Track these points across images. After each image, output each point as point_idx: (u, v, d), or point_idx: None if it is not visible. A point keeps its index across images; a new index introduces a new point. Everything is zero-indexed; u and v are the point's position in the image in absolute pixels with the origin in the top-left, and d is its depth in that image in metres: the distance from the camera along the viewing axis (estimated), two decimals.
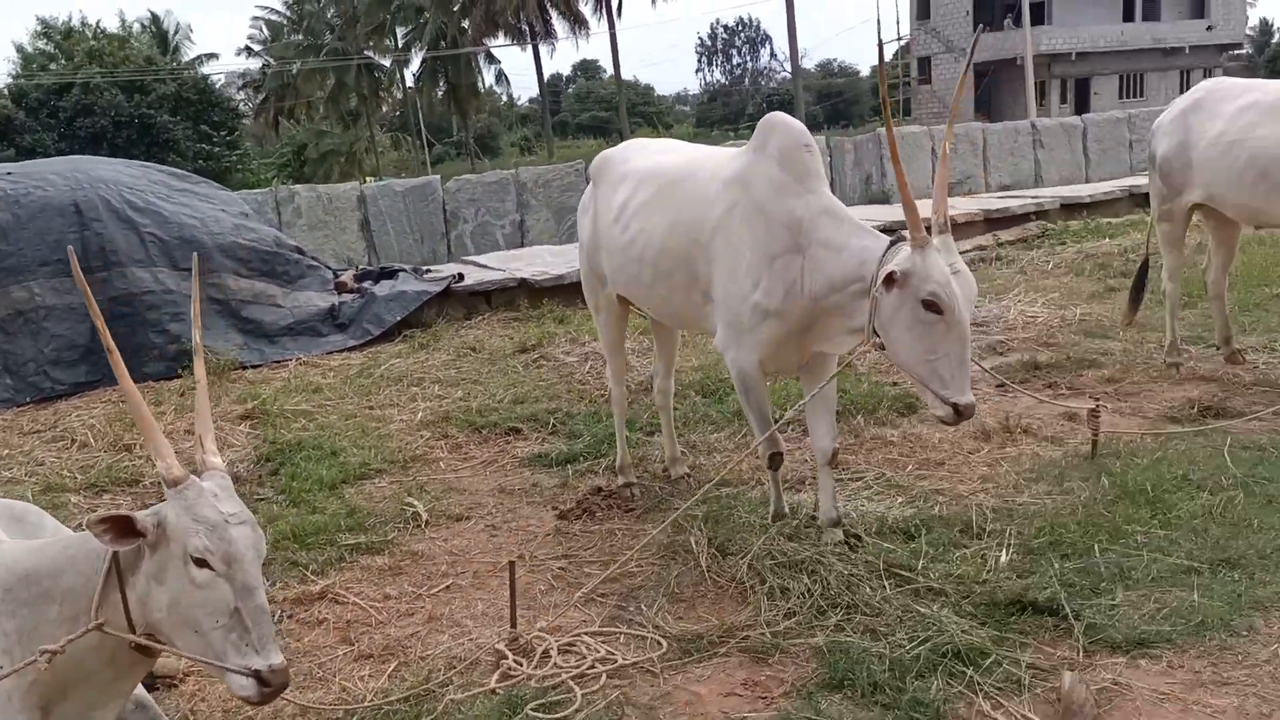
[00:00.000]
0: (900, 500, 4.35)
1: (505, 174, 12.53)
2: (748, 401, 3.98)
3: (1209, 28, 45.37)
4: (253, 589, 2.10)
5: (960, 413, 3.18)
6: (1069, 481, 4.36)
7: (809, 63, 72.55)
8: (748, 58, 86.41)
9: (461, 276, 8.81)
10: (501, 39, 44.22)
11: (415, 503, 4.71)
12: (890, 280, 3.21)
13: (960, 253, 9.99)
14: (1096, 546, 3.66)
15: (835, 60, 75.50)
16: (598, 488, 4.79)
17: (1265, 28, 72.10)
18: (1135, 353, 6.33)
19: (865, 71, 70.63)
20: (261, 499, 4.97)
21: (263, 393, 6.66)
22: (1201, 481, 4.15)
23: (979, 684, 2.89)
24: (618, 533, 4.30)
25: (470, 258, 10.63)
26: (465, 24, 43.48)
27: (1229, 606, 3.19)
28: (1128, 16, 45.00)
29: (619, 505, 4.61)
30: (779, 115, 3.87)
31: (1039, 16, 42.23)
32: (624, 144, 4.70)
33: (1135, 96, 42.08)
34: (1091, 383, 5.90)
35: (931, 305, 3.15)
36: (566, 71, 78.53)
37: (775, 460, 4.07)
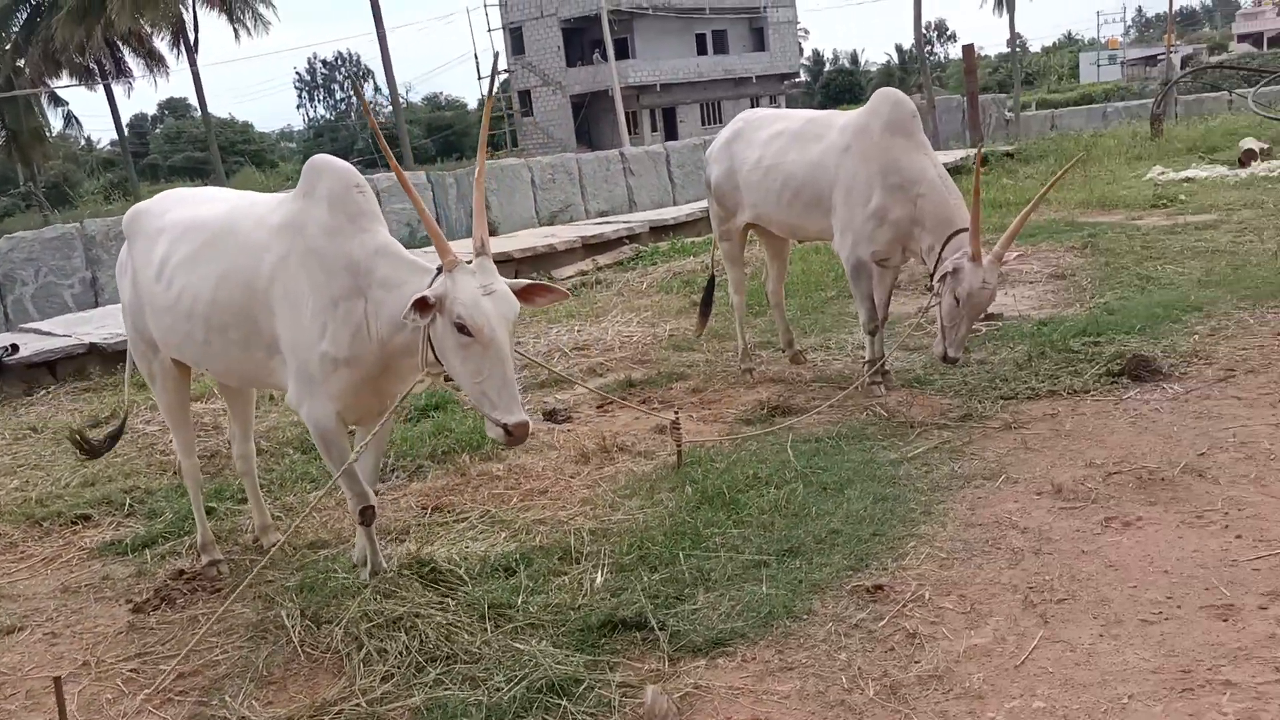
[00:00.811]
0: (504, 536, 4.34)
1: (68, 228, 11.25)
2: (329, 457, 3.79)
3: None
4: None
5: (511, 433, 3.19)
6: (659, 493, 4.58)
7: (416, 96, 72.39)
8: (350, 92, 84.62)
9: (15, 348, 7.75)
10: (66, 79, 39.85)
11: None
12: (424, 305, 3.19)
13: (563, 279, 10.30)
14: (681, 554, 3.86)
15: (442, 93, 75.86)
16: (180, 571, 4.35)
17: (818, 58, 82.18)
18: (716, 362, 6.83)
19: (472, 104, 71.69)
20: None
21: None
22: (769, 478, 4.52)
23: (572, 714, 2.92)
24: (201, 619, 3.92)
25: (31, 324, 9.40)
26: (21, 63, 38.74)
27: (791, 593, 3.48)
28: (701, 51, 49.33)
29: (204, 588, 4.22)
30: (325, 158, 3.74)
31: (624, 51, 45.11)
32: (160, 195, 4.33)
33: (715, 122, 45.95)
34: (680, 394, 6.28)
35: (462, 328, 3.17)
36: (153, 110, 72.52)
37: (367, 514, 3.90)
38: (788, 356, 6.67)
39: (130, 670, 3.58)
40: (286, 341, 3.66)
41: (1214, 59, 50.69)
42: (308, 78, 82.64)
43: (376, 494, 4.67)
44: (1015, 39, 49.50)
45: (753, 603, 3.44)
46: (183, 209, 4.00)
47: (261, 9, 37.61)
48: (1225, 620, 3.02)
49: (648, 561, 3.85)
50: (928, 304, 5.42)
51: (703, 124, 46.01)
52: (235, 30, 37.84)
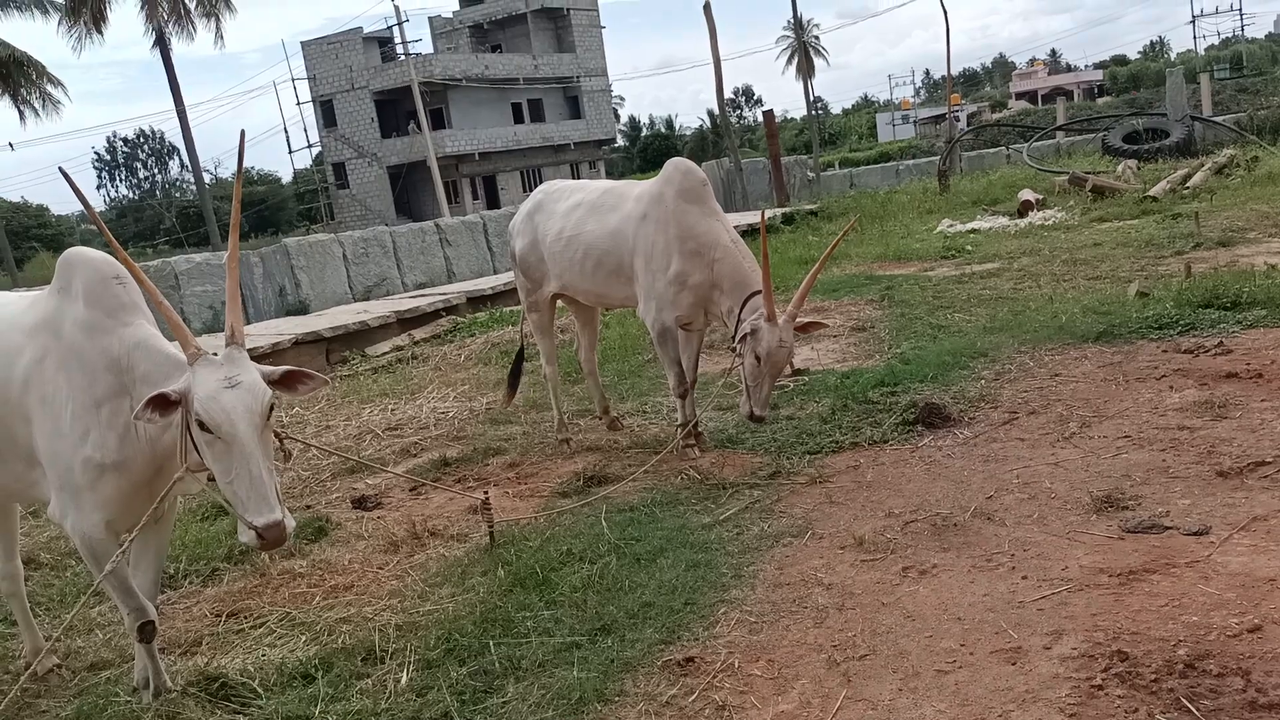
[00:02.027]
0: (304, 639, 4.09)
1: None
2: (97, 568, 3.49)
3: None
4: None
5: (261, 535, 3.01)
6: (470, 579, 4.43)
7: (225, 172, 70.01)
8: (155, 170, 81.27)
9: None
10: None
11: None
12: (163, 403, 3.04)
13: (378, 355, 9.98)
14: (491, 643, 3.72)
15: (254, 168, 73.65)
16: None
17: (635, 124, 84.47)
18: (533, 434, 6.75)
19: (286, 177, 69.93)
20: None
21: None
22: (583, 552, 4.45)
23: None
24: None
25: None
26: None
27: (603, 675, 3.40)
28: (518, 119, 49.87)
29: None
30: (79, 250, 3.53)
31: (440, 121, 45.13)
32: None
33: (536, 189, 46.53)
34: (496, 470, 6.16)
35: (202, 424, 3.02)
36: None
37: (146, 630, 3.61)
38: (604, 424, 6.66)
39: None
40: (45, 451, 3.38)
41: (994, 116, 54.90)
42: (108, 157, 78.84)
43: (164, 603, 4.35)
44: (814, 103, 52.28)
45: (563, 689, 3.34)
46: None
47: (49, 89, 35.62)
48: (1014, 664, 3.12)
49: (456, 654, 3.70)
50: (732, 365, 5.52)
51: (524, 191, 46.33)
52: (21, 112, 35.68)
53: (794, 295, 5.15)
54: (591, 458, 6.06)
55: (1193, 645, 3.05)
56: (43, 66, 35.95)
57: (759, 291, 5.25)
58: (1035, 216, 14.22)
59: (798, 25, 54.38)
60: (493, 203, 45.06)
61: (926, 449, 5.30)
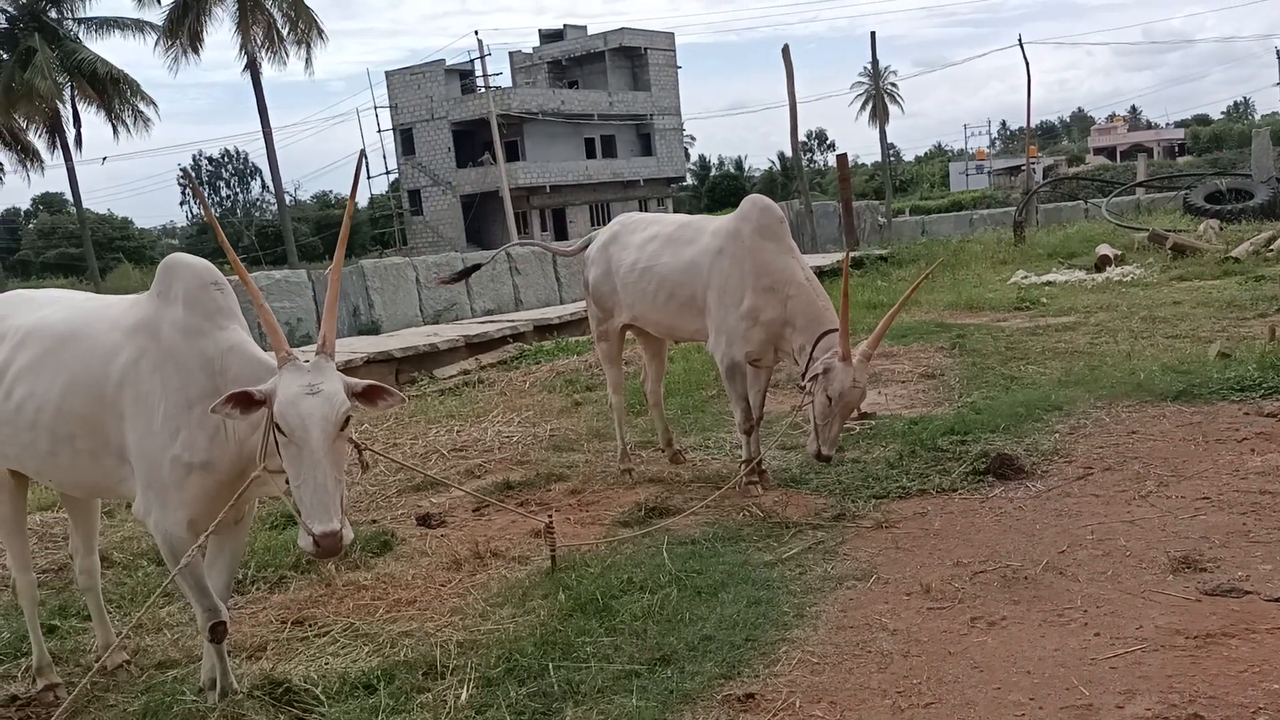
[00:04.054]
0: (367, 650, 4.14)
1: None
2: (174, 565, 3.58)
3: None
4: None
5: (318, 543, 3.04)
6: (531, 601, 4.46)
7: (305, 194, 71.95)
8: (237, 189, 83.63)
9: None
10: None
11: None
12: (245, 401, 3.12)
13: (445, 378, 10.09)
14: (550, 665, 3.73)
15: (332, 192, 75.52)
16: (13, 696, 4.02)
17: (704, 163, 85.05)
18: (596, 463, 6.78)
19: (362, 203, 71.56)
20: None
21: None
22: (644, 582, 4.45)
23: None
24: None
25: None
26: None
27: (661, 705, 3.39)
28: (590, 154, 50.51)
29: (39, 715, 3.90)
30: (180, 256, 3.67)
31: (514, 154, 45.87)
32: (0, 297, 4.13)
33: (604, 223, 46.98)
34: (558, 495, 6.19)
35: (279, 427, 3.09)
36: (26, 205, 70.16)
37: (217, 631, 3.67)
38: (667, 456, 6.66)
39: None
40: (135, 449, 3.49)
41: (1071, 170, 54.20)
42: (193, 174, 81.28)
43: (232, 608, 4.43)
44: (888, 149, 52.13)
45: (622, 716, 3.34)
46: (28, 311, 3.81)
47: (141, 106, 37.01)
48: None
49: (515, 674, 3.72)
50: (801, 403, 5.50)
51: (592, 224, 46.80)
52: (114, 127, 37.10)
53: (869, 337, 5.12)
54: (653, 489, 6.06)
55: (1273, 713, 2.95)
56: (137, 84, 37.43)
57: (832, 330, 5.23)
58: (1113, 272, 13.98)
59: (875, 71, 54.41)
60: (561, 234, 45.56)
61: (997, 500, 5.21)
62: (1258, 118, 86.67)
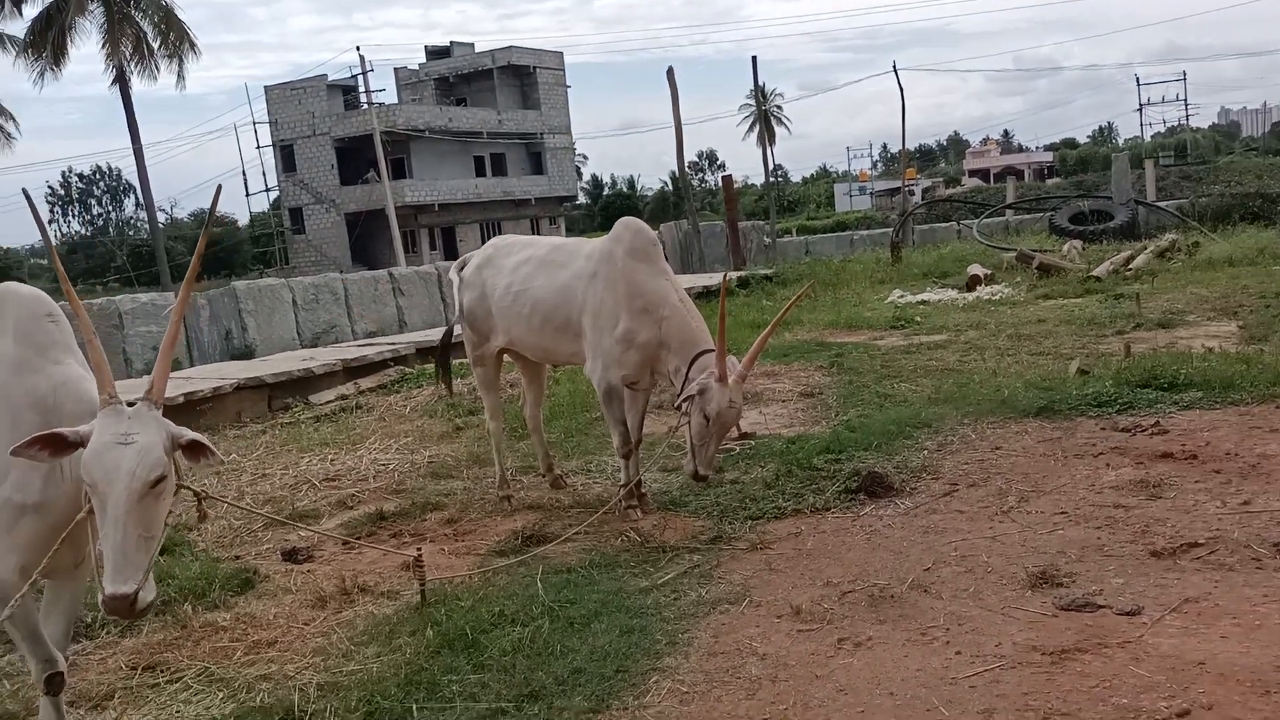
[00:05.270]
0: (221, 696, 3.94)
1: None
2: (12, 620, 3.35)
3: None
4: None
5: (104, 603, 2.86)
6: (398, 638, 4.30)
7: (181, 212, 69.52)
8: (109, 207, 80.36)
9: None
10: None
11: None
12: (57, 443, 2.96)
13: (322, 403, 9.81)
14: (414, 707, 3.61)
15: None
16: None
17: (597, 182, 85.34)
18: (474, 490, 6.64)
19: (243, 220, 69.49)
20: None
21: None
22: (515, 614, 4.35)
23: None
24: None
25: None
26: None
27: None
28: (480, 173, 50.12)
29: None
30: (12, 286, 3.45)
31: (400, 171, 45.21)
32: None
33: None
34: (434, 525, 6.04)
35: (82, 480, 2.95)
36: None
37: (54, 683, 3.44)
38: (548, 481, 6.57)
39: None
40: None
41: (947, 192, 56.18)
42: (62, 192, 77.83)
43: (79, 654, 4.18)
44: (773, 170, 53.19)
45: None
46: None
47: (1, 122, 35.23)
48: None
49: (376, 717, 3.58)
50: (677, 424, 5.49)
51: (482, 242, 46.34)
52: None
53: (744, 357, 5.15)
54: (532, 516, 5.97)
55: None
56: None
57: (707, 351, 5.25)
58: (983, 291, 14.48)
59: (759, 94, 55.49)
60: (450, 254, 45.01)
61: (868, 518, 5.28)
62: (1120, 142, 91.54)
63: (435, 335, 13.12)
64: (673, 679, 3.70)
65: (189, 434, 3.09)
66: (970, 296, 14.15)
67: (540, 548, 5.29)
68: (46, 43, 35.16)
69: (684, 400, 5.19)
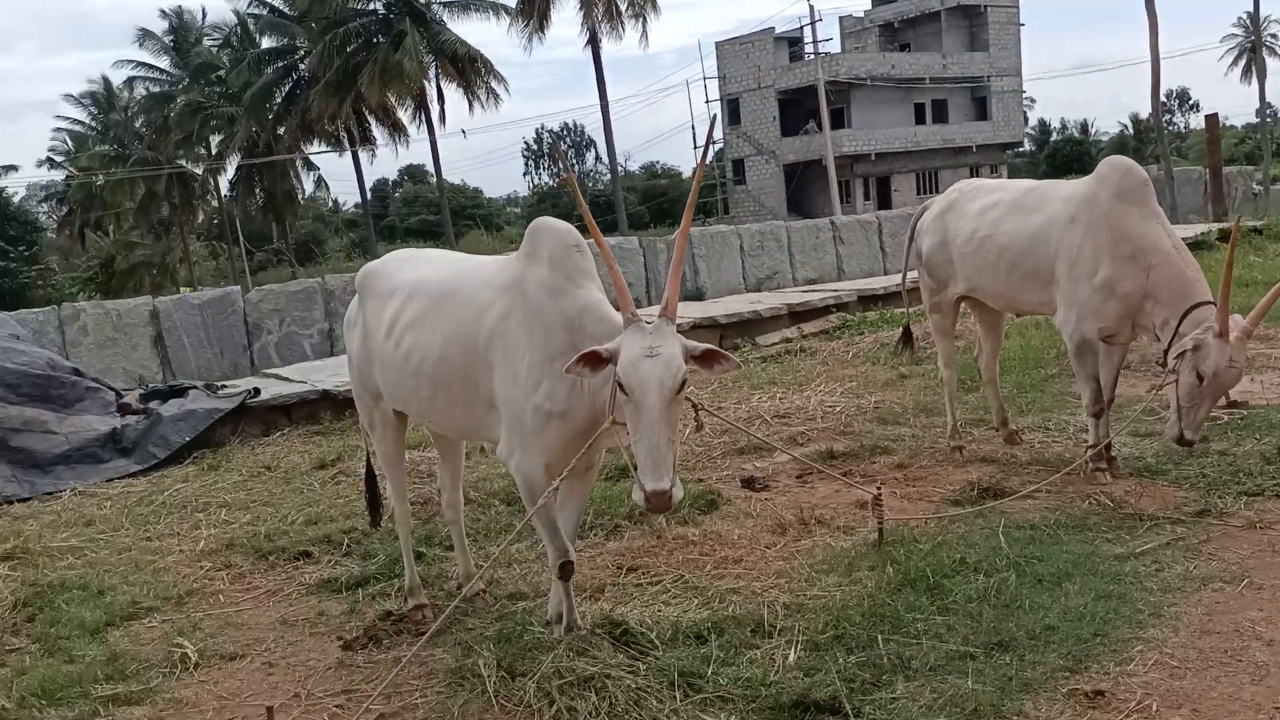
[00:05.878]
0: (696, 602, 4.29)
1: (311, 282, 12.18)
2: (532, 505, 3.87)
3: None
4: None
5: (648, 499, 3.14)
6: (857, 571, 4.41)
7: (634, 165, 74.82)
8: (573, 160, 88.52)
9: (258, 391, 8.42)
10: (318, 146, 43.79)
11: (185, 643, 4.35)
12: (594, 360, 3.29)
13: (767, 345, 10.21)
14: (880, 637, 3.69)
15: (659, 162, 77.96)
16: (388, 612, 4.54)
17: (1044, 127, 79.33)
18: (923, 438, 6.58)
19: (686, 173, 73.37)
20: (13, 649, 4.50)
21: (27, 529, 6.10)
22: (978, 563, 4.28)
23: None
24: (405, 661, 4.06)
25: (272, 370, 10.22)
26: (280, 131, 42.90)
27: (1000, 691, 3.25)
28: (919, 120, 48.61)
29: (409, 630, 4.37)
30: (547, 220, 3.92)
31: (840, 121, 45.10)
32: (389, 255, 4.61)
33: (931, 191, 45.02)
34: (883, 469, 6.08)
35: (621, 386, 3.21)
36: (394, 176, 78.31)
37: (566, 570, 3.94)
38: (1002, 436, 6.34)
39: (336, 705, 3.75)
40: (502, 396, 3.79)
41: None
42: (535, 147, 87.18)
43: (575, 551, 4.74)
44: (1265, 108, 46.17)
45: (957, 697, 3.24)
46: (413, 269, 4.24)
47: (494, 84, 40.07)
48: None
49: (843, 642, 3.71)
50: (1161, 382, 5.03)
51: (918, 193, 45.15)
52: (470, 102, 40.48)
53: (1250, 313, 4.59)
54: (986, 469, 5.80)
55: None
56: (490, 63, 40.55)
57: (1204, 303, 4.74)
58: None
59: (1254, 21, 48.21)
60: (884, 203, 44.36)
61: None
62: None
63: (875, 284, 13.11)
64: (1160, 651, 3.45)
65: (701, 345, 3.37)
66: None
67: (998, 500, 5.13)
68: (533, 10, 39.31)
69: (1175, 357, 4.74)
